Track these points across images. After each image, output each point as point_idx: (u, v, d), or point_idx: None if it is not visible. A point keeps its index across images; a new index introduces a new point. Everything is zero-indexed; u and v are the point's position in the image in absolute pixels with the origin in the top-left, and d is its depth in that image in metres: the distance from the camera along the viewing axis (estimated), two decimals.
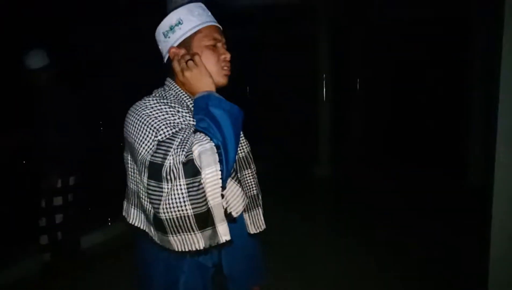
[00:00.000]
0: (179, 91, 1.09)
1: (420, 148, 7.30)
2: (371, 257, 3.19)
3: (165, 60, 1.12)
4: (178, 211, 0.91)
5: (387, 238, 3.56)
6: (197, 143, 0.90)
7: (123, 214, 1.14)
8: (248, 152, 1.20)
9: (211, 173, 0.90)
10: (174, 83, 1.11)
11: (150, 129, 0.94)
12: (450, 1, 5.88)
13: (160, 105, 0.99)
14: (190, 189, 0.89)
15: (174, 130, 0.95)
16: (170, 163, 0.90)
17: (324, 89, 5.88)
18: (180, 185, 0.89)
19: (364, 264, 3.09)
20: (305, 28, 6.37)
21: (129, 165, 1.06)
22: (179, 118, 0.99)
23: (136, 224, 1.09)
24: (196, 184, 0.89)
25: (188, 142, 0.91)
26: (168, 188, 0.90)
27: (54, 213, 2.80)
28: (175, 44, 1.08)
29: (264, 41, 8.47)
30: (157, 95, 1.07)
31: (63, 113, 2.73)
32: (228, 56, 1.11)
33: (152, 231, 1.03)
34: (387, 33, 7.76)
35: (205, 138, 0.91)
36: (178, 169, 0.89)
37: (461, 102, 5.77)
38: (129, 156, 1.05)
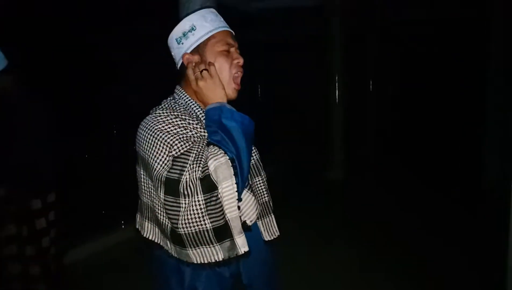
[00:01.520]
0: (189, 100, 1.09)
1: (435, 150, 7.20)
2: (384, 262, 3.14)
3: (178, 66, 1.12)
4: (197, 225, 0.92)
5: (400, 243, 3.50)
6: (212, 157, 0.91)
7: (137, 227, 1.14)
8: (257, 159, 1.20)
9: (227, 187, 0.91)
10: (184, 92, 1.11)
11: (164, 144, 0.95)
12: (466, 1, 5.79)
13: (171, 119, 0.99)
14: (208, 204, 0.91)
15: (187, 144, 0.95)
16: (186, 179, 0.90)
17: (337, 91, 5.84)
18: (198, 201, 0.90)
19: (376, 269, 3.04)
20: (317, 30, 6.35)
21: (142, 179, 1.05)
22: (191, 131, 0.99)
23: (150, 238, 1.09)
24: (214, 198, 0.91)
25: (203, 157, 0.92)
26: (185, 204, 0.91)
27: (40, 237, 2.27)
28: (189, 51, 1.07)
29: (275, 44, 8.47)
30: (167, 106, 1.06)
31: (25, 124, 2.21)
32: (241, 61, 1.11)
33: (168, 245, 1.02)
34: (400, 34, 7.69)
35: (219, 152, 0.92)
36: (196, 185, 0.90)
37: (476, 103, 5.67)
38: (142, 170, 1.04)
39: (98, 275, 3.09)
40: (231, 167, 0.91)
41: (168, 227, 0.98)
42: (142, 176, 1.05)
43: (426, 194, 4.95)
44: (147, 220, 1.10)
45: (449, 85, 8.11)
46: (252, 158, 1.18)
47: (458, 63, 7.65)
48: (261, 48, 8.18)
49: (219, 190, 0.91)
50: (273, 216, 1.22)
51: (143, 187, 1.06)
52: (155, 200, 1.00)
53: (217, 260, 0.96)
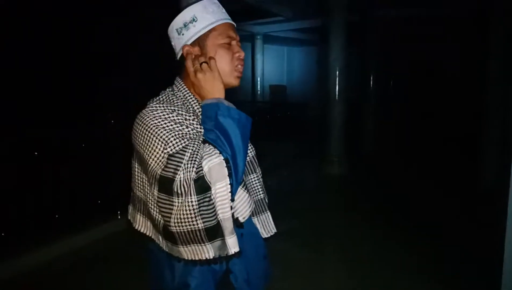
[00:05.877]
0: (187, 93, 1.07)
1: (434, 148, 7.20)
2: (381, 259, 3.15)
3: (178, 57, 1.10)
4: (189, 225, 0.91)
5: (397, 239, 3.52)
6: (207, 158, 0.90)
7: (129, 218, 1.13)
8: (253, 156, 1.19)
9: (221, 188, 0.90)
10: (183, 84, 1.09)
11: (159, 140, 0.93)
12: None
13: (167, 114, 0.98)
14: (201, 205, 0.90)
15: (183, 141, 0.93)
16: (180, 178, 0.89)
17: (337, 86, 5.81)
18: (191, 201, 0.89)
19: (374, 266, 3.05)
20: (318, 24, 6.30)
21: (137, 173, 1.04)
22: (187, 127, 0.97)
23: (142, 231, 1.08)
24: (207, 199, 0.90)
25: (198, 156, 0.90)
26: (179, 203, 0.90)
27: None
28: (189, 42, 1.05)
29: (276, 37, 8.42)
30: (164, 98, 1.05)
31: None
32: (242, 54, 1.09)
33: (160, 240, 1.02)
34: (402, 30, 7.65)
35: (214, 152, 0.91)
36: (189, 186, 0.88)
37: (476, 102, 5.66)
38: (136, 164, 1.03)
39: (89, 265, 3.10)
40: (226, 168, 0.90)
41: (161, 222, 0.97)
42: (136, 169, 1.04)
43: (424, 193, 4.96)
44: (139, 213, 1.09)
45: (449, 84, 8.09)
46: (247, 155, 1.15)
47: (460, 61, 7.63)
48: (261, 41, 8.13)
49: (213, 191, 0.90)
50: (269, 213, 1.22)
51: (137, 180, 1.05)
52: (148, 194, 0.99)
53: (207, 258, 0.95)
